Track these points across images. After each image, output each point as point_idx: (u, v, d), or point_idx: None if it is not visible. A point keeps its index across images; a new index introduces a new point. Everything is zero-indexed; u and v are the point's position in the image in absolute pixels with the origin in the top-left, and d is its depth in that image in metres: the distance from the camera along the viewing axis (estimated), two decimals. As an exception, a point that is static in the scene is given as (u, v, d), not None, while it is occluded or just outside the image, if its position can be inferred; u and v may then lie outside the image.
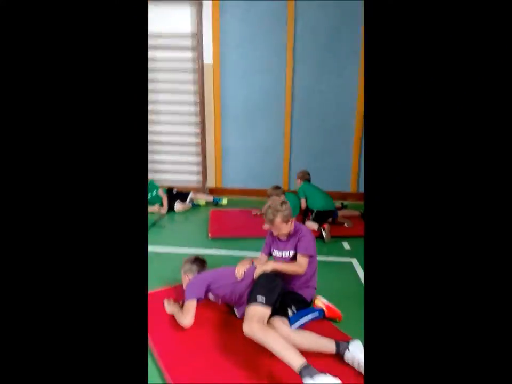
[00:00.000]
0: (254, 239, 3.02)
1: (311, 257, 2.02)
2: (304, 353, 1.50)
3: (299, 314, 1.97)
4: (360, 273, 2.51)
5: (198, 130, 4.65)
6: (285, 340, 1.53)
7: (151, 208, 3.97)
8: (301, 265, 1.97)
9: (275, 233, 2.13)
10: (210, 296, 2.06)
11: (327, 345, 1.65)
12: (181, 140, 4.72)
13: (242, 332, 1.63)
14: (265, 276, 1.86)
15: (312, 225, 3.43)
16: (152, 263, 2.54)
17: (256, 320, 1.61)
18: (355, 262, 2.73)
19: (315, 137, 4.56)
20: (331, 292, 2.17)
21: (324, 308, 2.00)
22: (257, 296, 1.71)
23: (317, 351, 1.63)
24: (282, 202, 2.07)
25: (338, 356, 1.61)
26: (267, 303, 1.69)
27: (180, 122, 4.69)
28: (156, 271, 2.35)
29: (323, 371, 1.38)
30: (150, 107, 4.70)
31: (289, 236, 2.11)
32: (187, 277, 2.14)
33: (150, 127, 4.76)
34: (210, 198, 4.47)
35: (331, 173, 4.53)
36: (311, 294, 2.09)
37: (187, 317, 1.87)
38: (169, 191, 4.33)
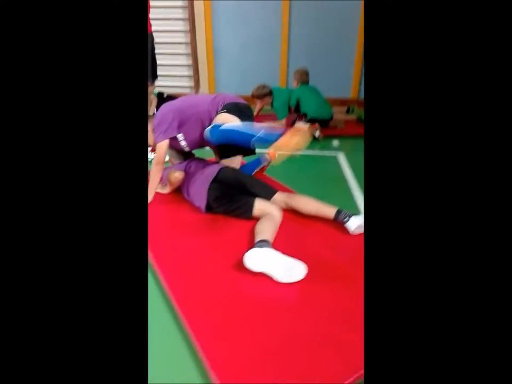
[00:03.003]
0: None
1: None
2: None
3: (248, 167, 2.11)
4: (343, 163, 2.67)
5: (187, 28, 4.30)
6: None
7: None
8: (156, 158, 1.83)
9: None
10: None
11: (327, 210, 1.63)
12: (171, 40, 4.41)
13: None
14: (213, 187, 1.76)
15: (302, 125, 3.30)
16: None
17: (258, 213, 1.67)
18: (340, 156, 2.85)
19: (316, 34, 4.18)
20: (318, 175, 2.50)
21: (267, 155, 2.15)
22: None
23: (316, 214, 1.66)
24: None
25: (337, 222, 1.58)
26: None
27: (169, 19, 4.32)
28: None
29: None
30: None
31: None
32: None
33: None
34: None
35: (330, 78, 4.23)
36: None
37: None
38: (159, 95, 4.20)
